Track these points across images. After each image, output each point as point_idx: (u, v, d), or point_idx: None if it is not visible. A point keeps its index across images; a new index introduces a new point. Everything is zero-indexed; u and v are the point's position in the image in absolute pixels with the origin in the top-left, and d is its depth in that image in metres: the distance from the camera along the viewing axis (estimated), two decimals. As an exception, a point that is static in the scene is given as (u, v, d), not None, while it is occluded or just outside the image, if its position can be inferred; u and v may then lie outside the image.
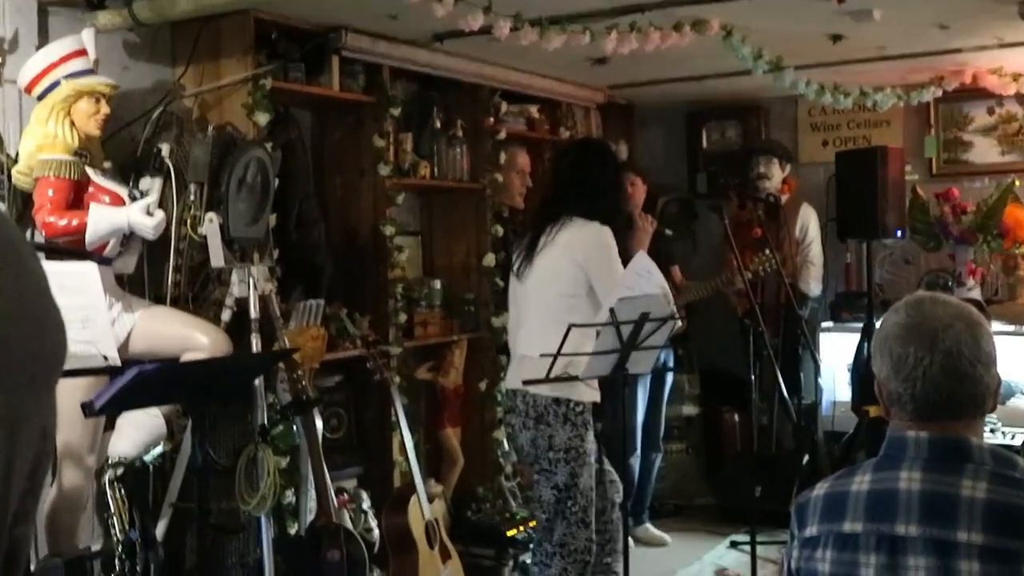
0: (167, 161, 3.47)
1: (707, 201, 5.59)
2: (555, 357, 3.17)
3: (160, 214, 3.33)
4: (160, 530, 3.40)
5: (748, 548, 4.45)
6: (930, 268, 5.88)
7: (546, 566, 3.60)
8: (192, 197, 3.48)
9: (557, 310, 3.53)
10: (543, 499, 3.60)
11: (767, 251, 5.00)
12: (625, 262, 3.57)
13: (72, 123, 3.19)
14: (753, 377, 4.69)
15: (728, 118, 6.50)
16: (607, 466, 3.78)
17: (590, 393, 3.55)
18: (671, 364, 5.43)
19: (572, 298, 3.57)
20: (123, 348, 3.21)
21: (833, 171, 5.67)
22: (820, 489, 1.72)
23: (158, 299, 3.51)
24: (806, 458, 5.26)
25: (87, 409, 2.71)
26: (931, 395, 1.61)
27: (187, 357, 3.25)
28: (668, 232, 5.11)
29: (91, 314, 3.02)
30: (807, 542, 1.69)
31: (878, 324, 1.71)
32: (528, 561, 4.69)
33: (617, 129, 6.40)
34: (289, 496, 3.77)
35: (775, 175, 5.83)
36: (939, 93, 5.54)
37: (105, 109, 3.24)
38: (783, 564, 1.78)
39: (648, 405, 5.31)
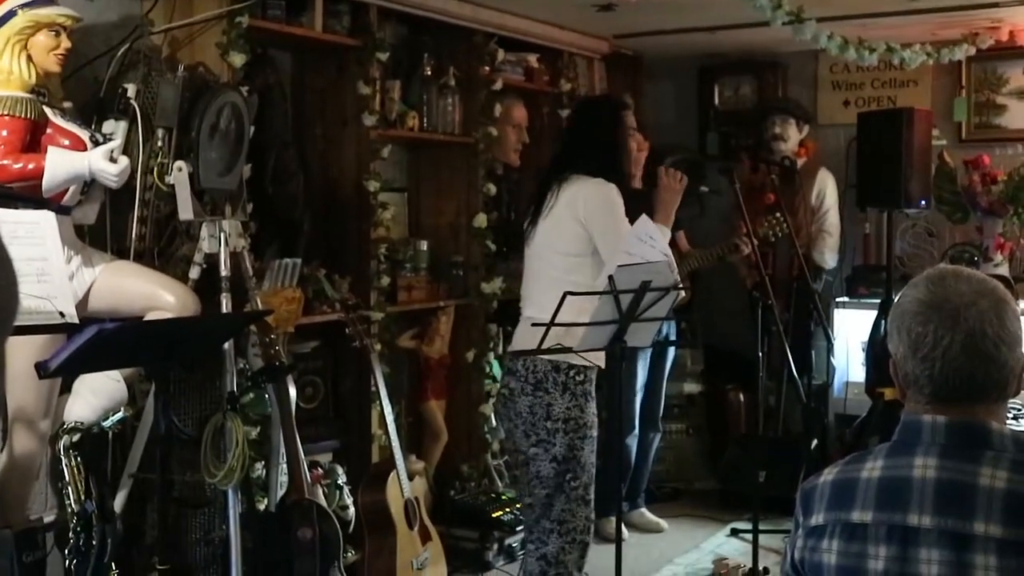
0: (133, 103, 3.44)
1: (717, 163, 5.57)
2: (548, 327, 3.16)
3: (124, 161, 3.30)
4: (119, 502, 3.40)
5: (750, 537, 4.48)
6: (955, 241, 5.89)
7: (543, 543, 3.62)
8: (160, 143, 3.45)
9: (559, 270, 3.62)
10: (541, 473, 3.62)
11: (777, 214, 4.99)
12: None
13: (29, 58, 3.15)
14: (761, 354, 4.70)
15: (742, 73, 6.47)
16: None
17: (592, 359, 3.55)
18: (673, 337, 5.44)
19: (575, 258, 3.62)
20: (82, 305, 3.20)
21: (854, 134, 5.66)
22: (828, 475, 1.72)
23: (121, 253, 3.49)
24: (815, 442, 5.29)
25: (41, 370, 2.70)
26: (951, 377, 1.61)
27: (151, 316, 3.24)
28: (704, 189, 4.88)
29: (47, 267, 3.00)
30: (812, 531, 1.70)
31: (896, 300, 1.70)
32: (514, 544, 4.72)
33: (622, 83, 6.36)
34: (259, 469, 3.78)
35: (791, 137, 5.82)
36: (972, 51, 5.52)
37: (66, 43, 3.20)
38: (786, 554, 1.78)
39: (647, 381, 5.32)
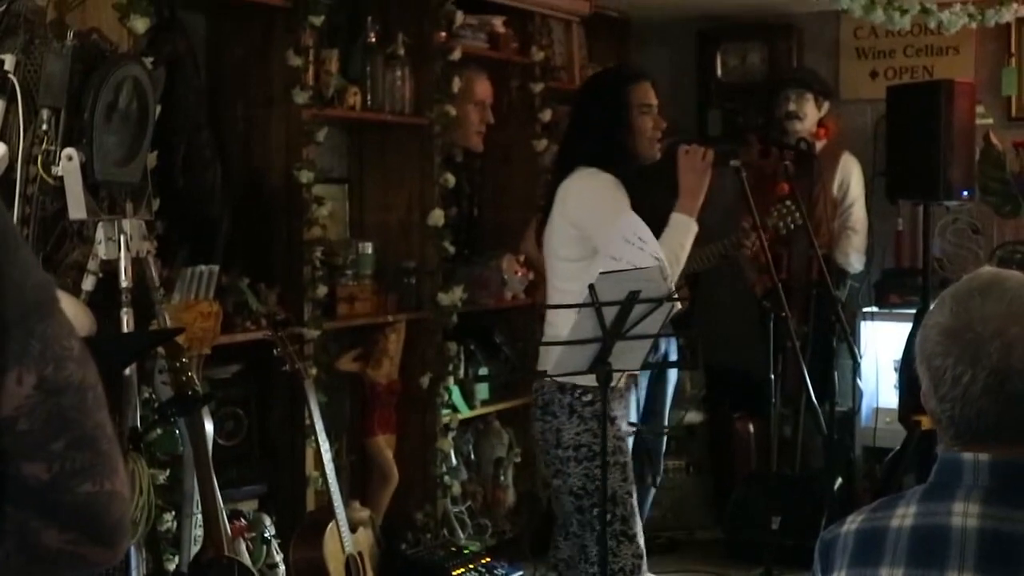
0: (11, 78, 3.43)
1: (721, 146, 5.60)
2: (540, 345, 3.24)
3: (1, 148, 3.28)
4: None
5: (762, 595, 4.50)
6: (1004, 239, 5.94)
7: None
8: (45, 127, 3.45)
9: (559, 278, 3.86)
10: (564, 508, 3.85)
11: (788, 202, 5.00)
12: (665, 216, 3.77)
13: None
14: (773, 376, 4.73)
15: (750, 39, 6.51)
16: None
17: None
18: (673, 357, 5.43)
19: (574, 263, 3.78)
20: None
21: (883, 111, 5.70)
22: (853, 523, 1.73)
23: (-2, 260, 3.47)
24: (839, 481, 5.32)
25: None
26: (973, 422, 1.63)
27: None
28: (734, 163, 4.74)
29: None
30: (833, 591, 1.71)
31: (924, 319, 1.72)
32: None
33: (607, 50, 6.39)
34: (168, 521, 3.76)
35: (809, 115, 5.85)
36: (1023, 12, 5.58)
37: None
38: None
39: (646, 410, 5.31)
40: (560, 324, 3.68)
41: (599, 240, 3.72)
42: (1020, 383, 1.61)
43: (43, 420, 1.01)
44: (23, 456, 1.00)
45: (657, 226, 3.81)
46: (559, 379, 3.70)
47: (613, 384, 3.70)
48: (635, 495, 3.90)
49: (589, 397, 3.74)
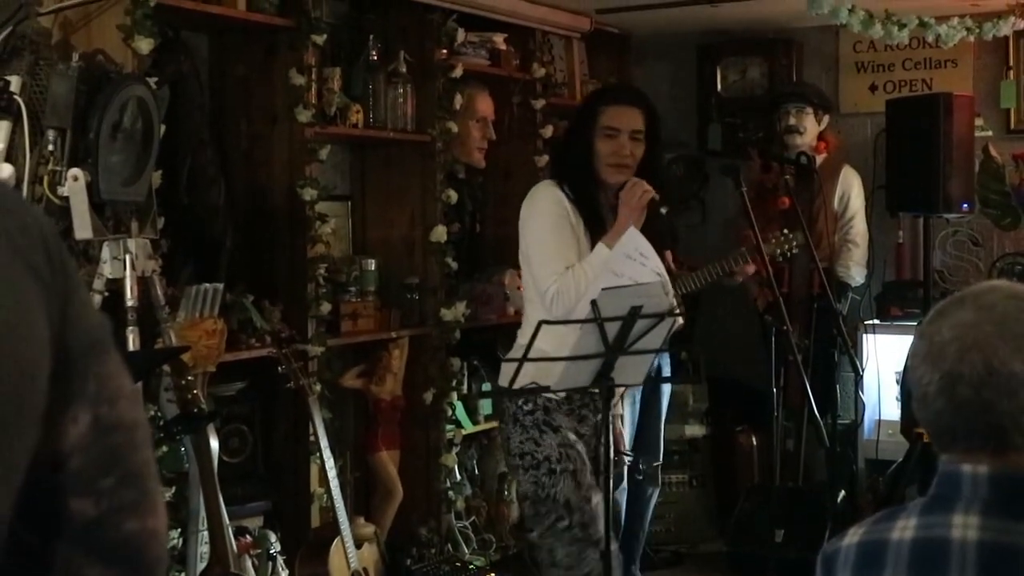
0: (17, 99, 3.44)
1: (721, 161, 5.62)
2: (520, 362, 3.21)
3: (7, 169, 3.30)
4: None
5: (766, 608, 4.50)
6: (1004, 251, 5.95)
7: None
8: (51, 147, 3.46)
9: (530, 291, 3.93)
10: (525, 513, 3.99)
11: (786, 231, 4.98)
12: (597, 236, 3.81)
13: None
14: (776, 389, 4.73)
15: (750, 54, 6.53)
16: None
17: (544, 383, 3.60)
18: (667, 372, 5.44)
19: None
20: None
21: (883, 124, 5.72)
22: (854, 536, 1.75)
23: (4, 280, 3.48)
24: (842, 494, 5.32)
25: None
26: (933, 424, 1.66)
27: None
28: (663, 211, 4.74)
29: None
30: (835, 604, 1.72)
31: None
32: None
33: (607, 66, 6.42)
34: (174, 538, 3.76)
35: (809, 128, 5.86)
36: (1020, 25, 5.59)
37: (-64, 29, 3.21)
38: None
39: (639, 425, 5.31)
40: (527, 333, 3.55)
41: (526, 262, 3.90)
42: (967, 388, 1.62)
43: (95, 457, 1.03)
44: (72, 492, 1.02)
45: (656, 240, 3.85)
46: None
47: (553, 388, 3.65)
48: (598, 499, 3.84)
49: (529, 406, 3.82)
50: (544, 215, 3.83)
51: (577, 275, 3.74)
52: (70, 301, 1.04)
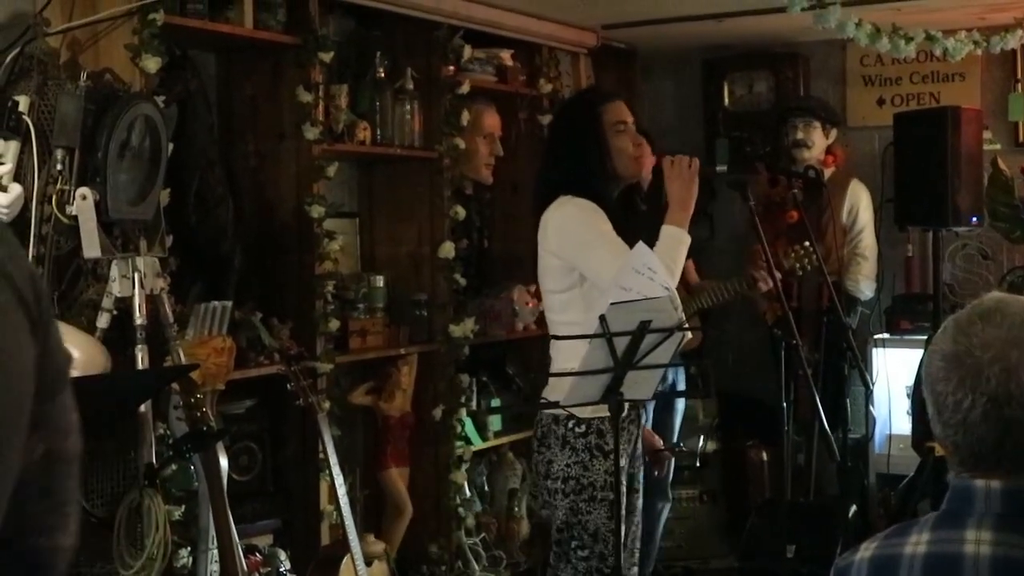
0: (26, 119, 3.45)
1: (729, 176, 5.61)
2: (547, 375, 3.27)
3: (16, 188, 3.31)
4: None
5: (778, 624, 4.49)
6: (1014, 264, 5.94)
7: None
8: (59, 166, 3.47)
9: (553, 311, 3.85)
10: (553, 539, 3.83)
11: (807, 243, 5.00)
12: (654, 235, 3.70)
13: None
14: (786, 404, 4.72)
15: (756, 68, 6.53)
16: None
17: (595, 409, 3.59)
18: (681, 386, 5.44)
19: (563, 294, 3.77)
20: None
21: (891, 138, 5.71)
22: (866, 551, 1.74)
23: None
24: (853, 508, 5.30)
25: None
26: (975, 446, 1.63)
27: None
28: (721, 168, 4.62)
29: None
30: (848, 620, 1.71)
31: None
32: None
33: (614, 81, 6.41)
34: (184, 556, 3.76)
35: (816, 142, 5.87)
36: (1029, 38, 5.60)
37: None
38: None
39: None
40: (561, 357, 3.69)
41: (583, 266, 3.70)
42: (1018, 409, 1.61)
43: (34, 488, 1.08)
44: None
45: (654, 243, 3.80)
46: (554, 411, 3.67)
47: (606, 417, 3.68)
48: (623, 531, 3.74)
49: (583, 428, 3.69)
50: (587, 211, 3.70)
51: (666, 263, 3.60)
52: (49, 333, 1.08)
